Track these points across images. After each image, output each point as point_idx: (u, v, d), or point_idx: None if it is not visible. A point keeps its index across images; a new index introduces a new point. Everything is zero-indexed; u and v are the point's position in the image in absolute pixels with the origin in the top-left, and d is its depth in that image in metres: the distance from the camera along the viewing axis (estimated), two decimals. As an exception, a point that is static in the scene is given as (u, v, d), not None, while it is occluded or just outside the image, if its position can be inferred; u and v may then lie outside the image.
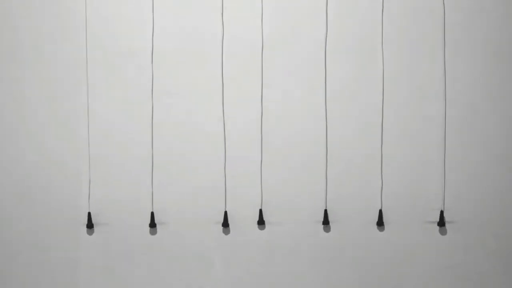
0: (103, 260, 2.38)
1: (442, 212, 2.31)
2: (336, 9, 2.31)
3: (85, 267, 2.38)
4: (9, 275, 2.39)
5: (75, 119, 2.35)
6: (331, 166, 2.33)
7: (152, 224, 2.35)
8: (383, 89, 2.31)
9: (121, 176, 2.36)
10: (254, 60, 2.32)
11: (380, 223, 2.32)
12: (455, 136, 2.32)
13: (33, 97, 2.35)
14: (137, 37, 2.33)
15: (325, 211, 2.32)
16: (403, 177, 2.33)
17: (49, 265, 2.38)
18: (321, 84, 2.32)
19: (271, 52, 2.32)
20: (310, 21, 2.32)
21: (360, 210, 2.34)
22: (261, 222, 2.33)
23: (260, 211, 2.33)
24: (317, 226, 2.35)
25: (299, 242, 2.36)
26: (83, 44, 2.32)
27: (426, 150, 2.32)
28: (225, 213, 2.34)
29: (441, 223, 2.31)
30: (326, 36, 2.31)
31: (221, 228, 2.36)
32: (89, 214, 2.35)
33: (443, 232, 2.34)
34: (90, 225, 2.36)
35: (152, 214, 2.35)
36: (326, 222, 2.33)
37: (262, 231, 2.36)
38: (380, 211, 2.32)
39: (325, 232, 2.35)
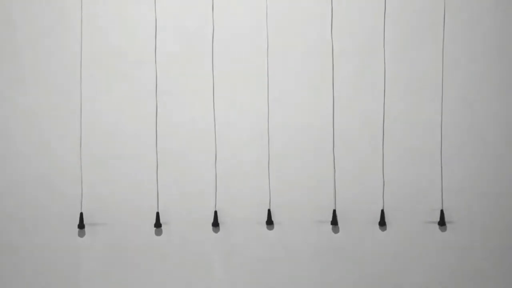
0: (101, 261, 2.38)
1: (442, 212, 2.32)
2: (339, 10, 2.33)
3: (83, 267, 2.39)
4: (10, 275, 2.40)
5: (74, 118, 2.36)
6: (332, 167, 2.34)
7: (158, 224, 2.35)
8: (384, 89, 2.32)
9: (122, 177, 2.37)
10: (259, 61, 2.34)
11: (382, 223, 2.34)
12: (455, 136, 2.32)
13: (32, 96, 2.36)
14: (138, 36, 2.35)
15: (334, 211, 2.34)
16: (404, 178, 2.34)
17: (49, 265, 2.39)
18: (324, 85, 2.33)
19: (275, 53, 2.33)
20: (313, 21, 2.34)
21: (361, 210, 2.35)
22: (269, 222, 2.35)
23: (269, 211, 2.35)
24: (318, 226, 2.36)
25: (300, 242, 2.37)
26: (82, 43, 2.33)
27: (426, 150, 2.33)
28: (215, 212, 2.35)
29: (442, 222, 2.32)
30: (332, 37, 2.33)
31: (220, 228, 2.37)
32: (81, 214, 2.35)
33: (443, 231, 2.34)
34: (81, 226, 2.35)
35: (158, 214, 2.36)
36: (334, 222, 2.34)
37: (263, 231, 2.37)
38: (382, 211, 2.34)
39: (326, 232, 2.36)
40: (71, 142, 2.36)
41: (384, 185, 2.33)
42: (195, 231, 2.37)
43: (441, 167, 2.32)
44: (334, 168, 2.34)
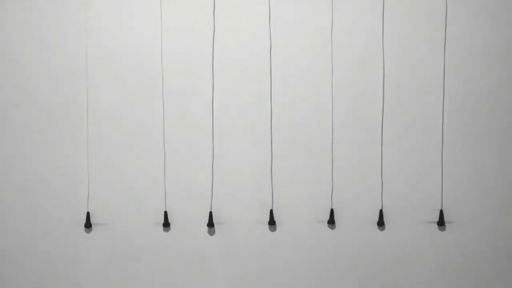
0: (102, 260, 2.39)
1: (441, 212, 2.31)
2: (339, 10, 2.33)
3: (83, 267, 2.40)
4: (9, 276, 2.41)
5: (76, 117, 2.36)
6: (332, 167, 2.35)
7: (166, 224, 2.36)
8: (383, 90, 2.33)
9: (123, 177, 2.37)
10: (261, 63, 2.34)
11: (380, 223, 2.33)
12: (454, 137, 2.32)
13: (34, 96, 2.36)
14: (143, 37, 2.35)
15: (332, 210, 2.34)
16: (403, 178, 2.33)
17: (49, 265, 2.40)
18: (323, 85, 2.33)
19: (276, 53, 2.34)
20: (315, 22, 2.34)
21: (360, 210, 2.35)
22: (271, 222, 2.36)
23: (271, 211, 2.35)
24: (318, 226, 2.36)
25: (300, 242, 2.38)
26: (86, 43, 2.34)
27: (425, 151, 2.32)
28: (210, 213, 2.36)
29: (441, 222, 2.31)
30: (332, 38, 2.34)
31: (220, 228, 2.38)
32: (88, 214, 2.36)
33: (442, 231, 2.33)
34: (88, 225, 2.36)
35: (166, 213, 2.37)
36: (331, 221, 2.34)
37: (263, 231, 2.37)
38: (381, 211, 2.33)
39: (326, 232, 2.36)
40: (72, 142, 2.38)
41: (382, 185, 2.33)
42: (195, 231, 2.39)
43: (442, 167, 2.32)
44: (332, 168, 2.34)
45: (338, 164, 2.35)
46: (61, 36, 2.37)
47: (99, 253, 2.39)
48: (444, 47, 2.31)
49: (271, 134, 2.35)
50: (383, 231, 2.35)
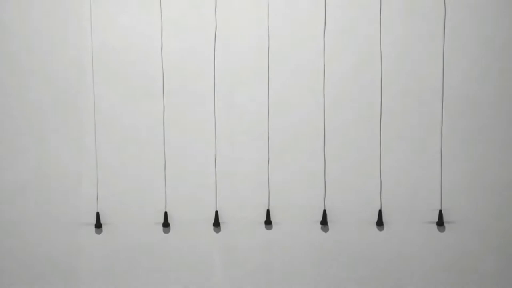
0: (102, 260, 2.41)
1: (440, 212, 2.32)
2: (336, 9, 2.32)
3: (84, 267, 2.41)
4: (9, 275, 2.42)
5: (76, 117, 2.36)
6: (331, 167, 2.35)
7: (166, 224, 2.37)
8: (381, 89, 2.32)
9: (124, 176, 2.38)
10: (258, 61, 2.33)
11: (379, 223, 2.34)
12: (453, 136, 2.32)
13: (39, 96, 2.36)
14: (144, 36, 2.34)
15: (324, 211, 2.35)
16: (402, 178, 2.34)
17: (50, 263, 2.42)
18: (321, 85, 2.33)
19: (275, 53, 2.33)
20: (312, 22, 2.33)
21: (360, 210, 2.36)
22: (268, 222, 2.36)
23: (268, 211, 2.35)
24: (318, 226, 2.37)
25: (300, 242, 2.38)
26: (89, 43, 2.33)
27: (424, 151, 2.33)
28: (216, 212, 2.36)
29: (440, 222, 2.32)
30: (324, 37, 2.33)
31: (220, 228, 2.38)
32: (97, 214, 2.37)
33: (441, 231, 2.35)
34: (98, 225, 2.38)
35: (166, 213, 2.37)
36: (324, 222, 2.35)
37: (263, 231, 2.38)
38: (380, 211, 2.34)
39: (325, 232, 2.37)
40: (73, 143, 2.38)
41: (381, 185, 2.34)
42: (195, 231, 2.39)
43: (441, 167, 2.32)
44: (325, 168, 2.34)
45: (338, 164, 2.35)
46: (61, 36, 2.35)
47: (104, 253, 2.41)
48: (443, 47, 2.31)
49: (268, 133, 2.35)
50: (382, 231, 2.36)
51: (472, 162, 2.33)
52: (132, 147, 2.37)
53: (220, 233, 2.39)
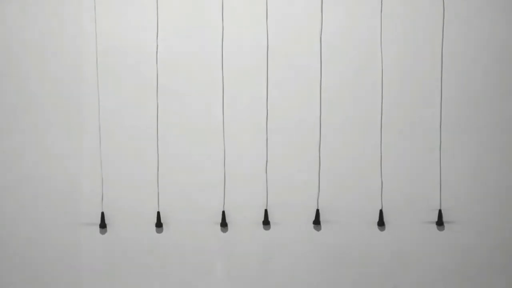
0: (107, 260, 2.40)
1: (440, 212, 2.33)
2: (337, 9, 2.33)
3: (84, 267, 2.40)
4: (10, 276, 2.41)
5: (81, 118, 2.37)
6: (331, 167, 2.35)
7: (159, 224, 2.37)
8: (382, 89, 2.32)
9: (124, 177, 2.38)
10: (257, 61, 2.34)
11: (381, 223, 2.34)
12: (453, 137, 2.32)
13: (39, 95, 2.35)
14: (140, 36, 2.34)
15: (317, 211, 2.34)
16: (402, 177, 2.34)
17: (51, 263, 2.40)
18: (322, 86, 2.33)
19: (274, 53, 2.33)
20: (312, 22, 2.33)
21: (360, 211, 2.35)
22: (266, 222, 2.35)
23: (266, 211, 2.35)
24: (317, 226, 2.37)
25: (300, 242, 2.37)
26: (90, 42, 2.33)
27: (424, 150, 2.33)
28: (223, 212, 2.36)
29: (440, 222, 2.32)
30: (321, 38, 2.33)
31: (221, 227, 2.38)
32: (102, 214, 2.37)
33: (441, 231, 2.35)
34: (103, 225, 2.37)
35: (158, 213, 2.37)
36: (317, 222, 2.35)
37: (263, 231, 2.38)
38: (381, 211, 2.34)
39: (326, 232, 2.36)
40: (75, 143, 2.38)
41: (382, 185, 2.34)
42: (195, 231, 2.39)
43: (440, 167, 2.33)
44: (319, 168, 2.34)
45: (338, 164, 2.35)
46: (61, 36, 2.36)
47: (104, 253, 2.40)
48: (442, 47, 2.31)
49: (266, 133, 2.34)
50: (383, 231, 2.36)
51: (472, 162, 2.33)
52: (132, 147, 2.37)
53: (226, 233, 2.38)
